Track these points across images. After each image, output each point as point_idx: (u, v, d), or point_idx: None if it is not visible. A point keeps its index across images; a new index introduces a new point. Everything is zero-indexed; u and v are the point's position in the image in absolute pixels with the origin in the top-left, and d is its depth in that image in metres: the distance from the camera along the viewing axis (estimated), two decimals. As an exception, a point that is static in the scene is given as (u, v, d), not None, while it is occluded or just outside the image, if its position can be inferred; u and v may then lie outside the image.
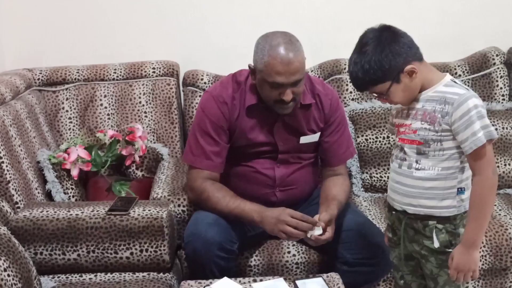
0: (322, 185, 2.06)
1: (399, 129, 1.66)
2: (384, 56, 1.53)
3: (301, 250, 2.04)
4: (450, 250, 1.61)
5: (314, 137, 2.05)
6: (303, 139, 2.03)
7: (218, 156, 1.98)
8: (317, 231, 1.81)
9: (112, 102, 2.59)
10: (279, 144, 2.01)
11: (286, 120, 1.99)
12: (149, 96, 2.59)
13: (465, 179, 1.59)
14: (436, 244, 1.61)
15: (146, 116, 2.58)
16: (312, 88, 2.04)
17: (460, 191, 1.59)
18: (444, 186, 1.59)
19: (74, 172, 2.29)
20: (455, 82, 1.60)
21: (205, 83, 2.55)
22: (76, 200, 2.31)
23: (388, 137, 2.46)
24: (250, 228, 2.01)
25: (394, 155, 1.68)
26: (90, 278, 1.91)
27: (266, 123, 1.99)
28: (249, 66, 1.94)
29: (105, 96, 2.59)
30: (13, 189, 2.02)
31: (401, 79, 1.56)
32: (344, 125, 2.09)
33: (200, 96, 2.52)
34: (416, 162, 1.60)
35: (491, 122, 1.54)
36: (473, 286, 2.13)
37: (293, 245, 2.06)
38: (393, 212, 1.70)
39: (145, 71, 2.61)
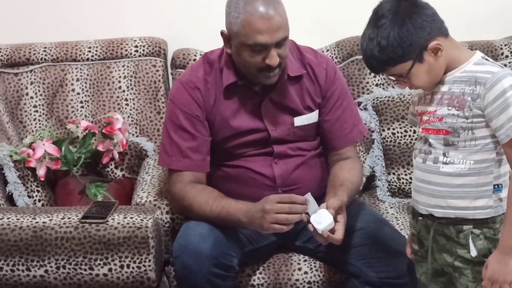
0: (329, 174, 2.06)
1: (422, 118, 1.67)
2: (404, 31, 1.55)
3: (314, 266, 2.05)
4: None
5: (311, 117, 2.06)
6: (299, 120, 2.04)
7: (197, 152, 2.00)
8: (325, 220, 1.78)
9: (86, 87, 2.59)
10: (270, 128, 2.02)
11: (274, 97, 2.01)
12: (130, 80, 2.59)
13: (503, 174, 1.60)
14: (473, 253, 1.61)
15: (127, 104, 2.58)
16: (301, 58, 2.06)
17: (497, 188, 1.60)
18: (477, 183, 1.59)
19: (41, 172, 2.30)
20: (486, 59, 1.61)
21: (198, 64, 2.56)
22: (43, 205, 2.31)
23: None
24: (252, 240, 2.01)
25: (417, 148, 1.69)
26: (60, 299, 1.92)
27: (251, 104, 2.01)
28: (221, 33, 1.96)
29: (77, 79, 2.59)
30: (-33, 191, 2.03)
31: (424, 57, 1.57)
32: (347, 99, 2.10)
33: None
34: (444, 155, 1.61)
35: None
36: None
37: (305, 260, 2.06)
38: (419, 218, 1.70)
39: (126, 50, 2.61)
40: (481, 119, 1.56)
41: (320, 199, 2.06)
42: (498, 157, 1.59)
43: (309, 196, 1.82)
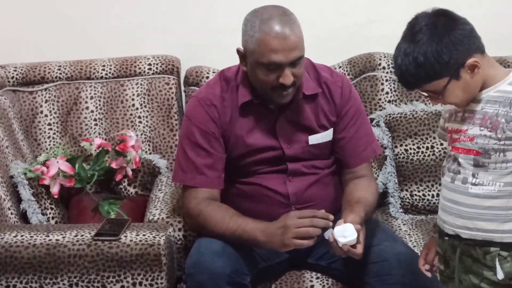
0: (343, 192, 2.05)
1: (452, 136, 1.64)
2: (443, 47, 1.51)
3: (327, 284, 2.03)
4: None
5: (326, 136, 2.05)
6: (313, 139, 2.03)
7: (212, 169, 2.00)
8: (350, 234, 1.75)
9: (100, 104, 2.61)
10: (285, 146, 2.02)
11: (289, 115, 2.01)
12: (144, 98, 2.61)
13: None
14: (500, 276, 1.59)
15: (140, 122, 2.59)
16: (317, 76, 2.05)
17: None
18: (507, 206, 1.57)
19: (54, 189, 2.31)
20: None
21: (211, 82, 2.56)
22: (56, 222, 2.32)
23: (433, 147, 2.45)
24: (265, 257, 2.00)
25: (446, 167, 1.66)
26: (72, 317, 1.92)
27: (266, 123, 2.01)
28: (237, 51, 1.96)
29: (91, 97, 2.60)
30: (-19, 209, 2.04)
31: (461, 75, 1.54)
32: (362, 117, 2.09)
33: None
34: (473, 176, 1.59)
35: None
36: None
37: (317, 278, 2.05)
38: (445, 238, 1.68)
39: (140, 68, 2.63)
40: None
41: (336, 213, 2.05)
42: None
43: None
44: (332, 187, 2.10)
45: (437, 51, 1.51)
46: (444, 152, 2.42)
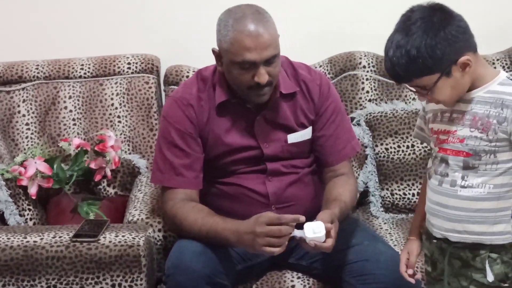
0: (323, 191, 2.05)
1: (439, 137, 1.62)
2: (438, 41, 1.47)
3: (308, 283, 2.03)
4: (506, 285, 1.58)
5: (305, 134, 2.05)
6: (292, 138, 2.03)
7: (190, 169, 1.99)
8: (318, 231, 1.74)
9: (78, 104, 2.59)
10: (263, 146, 2.02)
11: (267, 115, 2.00)
12: (123, 97, 2.59)
13: None
14: (490, 278, 1.58)
15: (119, 122, 2.58)
16: (294, 75, 2.06)
17: None
18: (496, 208, 1.57)
19: (32, 190, 2.28)
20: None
21: (191, 81, 2.55)
22: (34, 223, 2.29)
23: (413, 145, 2.46)
24: (245, 257, 2.00)
25: (433, 169, 1.64)
26: (51, 320, 1.91)
27: (244, 122, 2.01)
28: (212, 51, 1.97)
29: (70, 97, 2.58)
30: (-43, 210, 2.02)
31: (452, 72, 1.51)
32: (341, 115, 2.09)
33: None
34: (462, 178, 1.58)
35: None
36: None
37: (298, 277, 2.05)
38: (434, 241, 1.67)
39: (119, 67, 2.61)
40: (505, 143, 1.53)
41: (314, 216, 2.05)
42: None
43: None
44: (312, 186, 2.10)
45: (431, 46, 1.47)
46: (425, 151, 2.42)
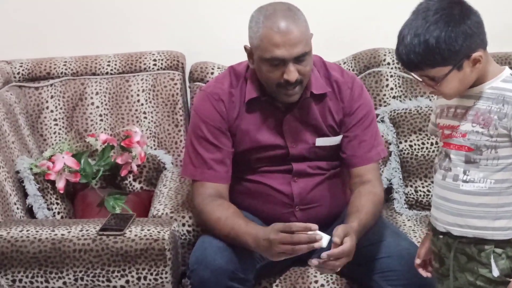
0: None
1: (443, 132, 1.64)
2: (457, 34, 1.47)
3: (331, 279, 2.04)
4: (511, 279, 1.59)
5: (334, 140, 2.04)
6: (321, 141, 2.02)
7: (221, 164, 2.00)
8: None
9: (105, 100, 2.61)
10: (290, 145, 2.01)
11: (297, 114, 1.99)
12: (149, 94, 2.61)
13: None
14: (496, 273, 1.59)
15: (145, 118, 2.60)
16: (327, 75, 2.04)
17: None
18: (497, 203, 1.57)
19: (60, 184, 2.32)
20: None
21: (216, 77, 2.56)
22: (62, 217, 2.33)
23: (437, 142, 2.44)
24: (261, 256, 1.97)
25: (438, 164, 1.66)
26: (78, 311, 1.93)
27: (273, 120, 2.00)
28: (244, 48, 1.96)
29: (97, 93, 2.61)
30: (-13, 204, 2.05)
31: (463, 66, 1.51)
32: (369, 120, 2.06)
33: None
34: (464, 173, 1.58)
35: None
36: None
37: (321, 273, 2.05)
38: (440, 236, 1.68)
39: (145, 64, 2.63)
40: (506, 139, 1.53)
41: (340, 214, 2.05)
42: None
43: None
44: (337, 188, 2.09)
45: (450, 37, 1.47)
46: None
